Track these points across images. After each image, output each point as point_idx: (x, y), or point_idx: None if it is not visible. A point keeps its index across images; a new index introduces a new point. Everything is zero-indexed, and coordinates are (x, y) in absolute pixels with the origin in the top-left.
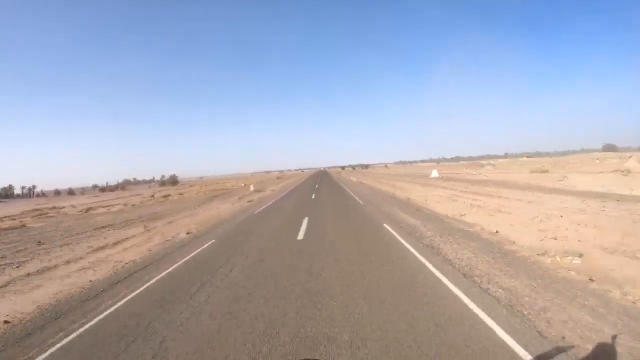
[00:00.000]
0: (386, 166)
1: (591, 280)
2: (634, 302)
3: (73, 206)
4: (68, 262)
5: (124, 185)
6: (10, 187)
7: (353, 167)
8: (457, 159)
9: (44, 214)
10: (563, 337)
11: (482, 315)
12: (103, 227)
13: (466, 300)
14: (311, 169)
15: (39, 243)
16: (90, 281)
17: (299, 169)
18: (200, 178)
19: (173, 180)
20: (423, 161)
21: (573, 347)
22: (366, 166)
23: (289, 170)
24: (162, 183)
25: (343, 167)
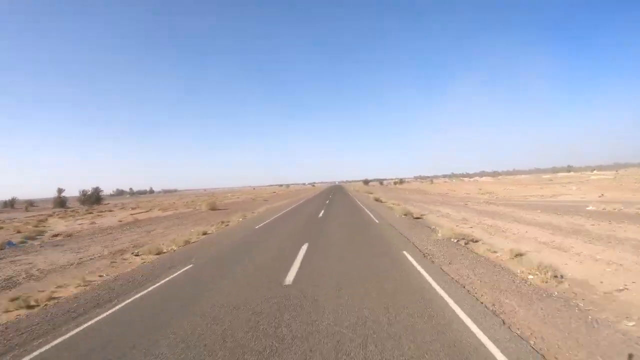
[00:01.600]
0: (431, 182)
1: None
2: None
3: None
4: None
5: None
6: None
7: (381, 182)
8: (482, 173)
9: None
10: None
11: None
12: None
13: None
14: (324, 182)
15: None
16: None
17: (311, 183)
18: (205, 190)
19: (94, 197)
20: (443, 175)
21: None
22: (400, 181)
23: (303, 184)
24: (59, 203)
25: (366, 182)
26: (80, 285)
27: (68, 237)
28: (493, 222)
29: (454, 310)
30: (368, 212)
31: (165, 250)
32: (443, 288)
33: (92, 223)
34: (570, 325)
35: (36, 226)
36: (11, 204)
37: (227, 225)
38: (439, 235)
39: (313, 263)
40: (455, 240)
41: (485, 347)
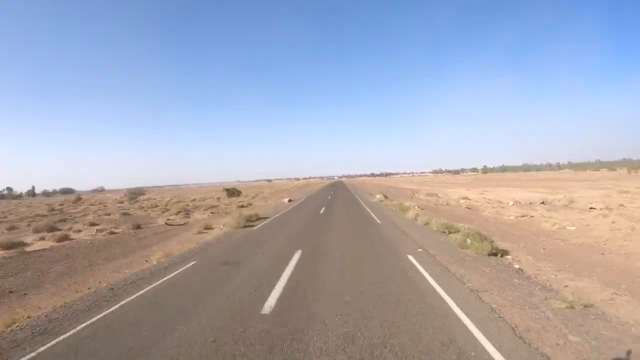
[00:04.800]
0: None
1: None
2: None
3: None
4: None
5: None
6: None
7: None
8: (504, 168)
9: None
10: None
11: None
12: None
13: None
14: (322, 178)
15: None
16: None
17: (296, 178)
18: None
19: None
20: (471, 170)
21: None
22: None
23: (297, 179)
24: None
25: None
26: None
27: None
28: None
29: None
30: None
31: None
32: None
33: None
34: None
35: None
36: None
37: None
38: None
39: None
40: None
41: None
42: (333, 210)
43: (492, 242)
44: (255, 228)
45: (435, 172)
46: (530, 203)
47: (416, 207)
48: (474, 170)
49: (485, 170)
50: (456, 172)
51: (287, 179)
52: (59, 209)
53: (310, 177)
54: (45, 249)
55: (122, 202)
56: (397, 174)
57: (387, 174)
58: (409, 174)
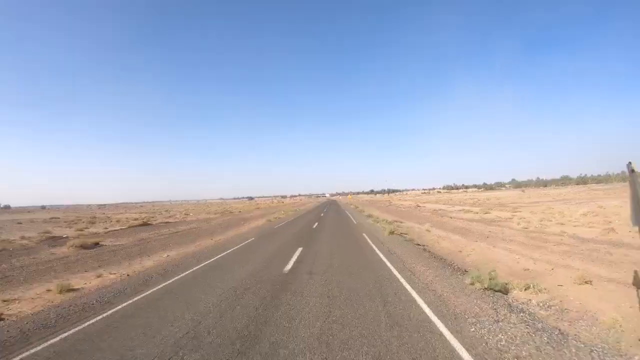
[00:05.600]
0: None
1: None
2: None
3: None
4: None
5: None
6: None
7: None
8: (517, 184)
9: None
10: None
11: None
12: None
13: None
14: (310, 196)
15: None
16: None
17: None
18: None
19: None
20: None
21: None
22: None
23: (284, 197)
24: None
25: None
26: None
27: None
28: None
29: None
30: None
31: None
32: None
33: None
34: None
35: None
36: None
37: None
38: None
39: None
40: None
41: None
42: None
43: None
44: None
45: (448, 188)
46: None
47: None
48: (500, 185)
49: (490, 186)
50: (466, 187)
51: (273, 196)
52: None
53: (299, 195)
54: None
55: None
56: (399, 190)
57: (389, 191)
58: (418, 190)
